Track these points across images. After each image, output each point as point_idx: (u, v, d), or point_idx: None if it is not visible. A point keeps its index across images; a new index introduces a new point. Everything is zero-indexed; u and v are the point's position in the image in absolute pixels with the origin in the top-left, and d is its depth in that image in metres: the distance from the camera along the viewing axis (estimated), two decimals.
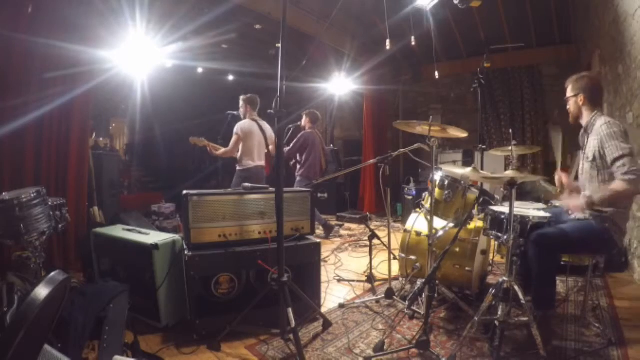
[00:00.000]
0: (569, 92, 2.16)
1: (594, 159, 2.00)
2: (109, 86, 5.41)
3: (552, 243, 1.95)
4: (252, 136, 3.93)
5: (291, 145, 4.73)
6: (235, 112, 4.17)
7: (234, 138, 3.89)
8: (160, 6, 4.32)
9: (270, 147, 4.16)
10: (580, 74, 2.17)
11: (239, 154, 3.94)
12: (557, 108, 5.72)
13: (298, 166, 4.79)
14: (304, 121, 4.89)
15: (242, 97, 4.08)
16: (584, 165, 2.12)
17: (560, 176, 2.39)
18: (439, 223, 2.45)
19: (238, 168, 3.99)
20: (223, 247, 2.16)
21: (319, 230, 5.05)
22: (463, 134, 2.36)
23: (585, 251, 2.19)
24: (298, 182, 4.70)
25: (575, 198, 2.09)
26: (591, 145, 2.03)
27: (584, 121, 2.14)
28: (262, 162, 4.06)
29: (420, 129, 2.34)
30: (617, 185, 1.86)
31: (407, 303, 2.28)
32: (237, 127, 3.90)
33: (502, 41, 5.76)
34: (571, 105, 2.16)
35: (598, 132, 1.97)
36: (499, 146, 5.89)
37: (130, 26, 3.85)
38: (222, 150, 3.99)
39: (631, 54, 3.01)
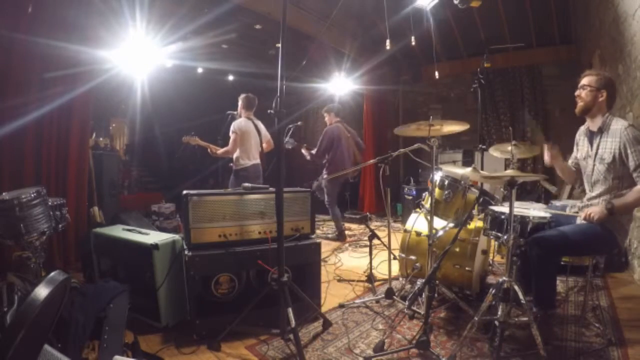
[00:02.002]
0: (589, 83, 2.08)
1: (613, 160, 1.97)
2: (109, 86, 5.40)
3: (553, 246, 1.95)
4: (249, 135, 3.93)
5: (316, 148, 4.56)
6: (235, 112, 4.17)
7: (232, 137, 3.88)
8: (160, 6, 4.32)
9: (264, 146, 4.16)
10: (599, 71, 2.15)
11: (237, 153, 3.93)
12: (557, 108, 5.72)
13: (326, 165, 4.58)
14: (328, 119, 4.69)
15: (240, 97, 4.09)
16: (594, 165, 2.08)
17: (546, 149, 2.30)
18: (439, 223, 2.45)
19: (235, 167, 3.98)
20: (223, 247, 2.16)
21: (320, 231, 5.04)
22: (464, 127, 2.35)
23: (586, 252, 2.19)
24: (325, 184, 4.51)
25: (594, 206, 2.04)
26: (609, 146, 2.00)
27: (595, 120, 2.10)
28: (258, 160, 4.06)
29: (417, 128, 2.34)
30: (639, 189, 1.86)
31: (407, 303, 2.28)
32: (234, 126, 3.89)
33: (502, 41, 5.75)
34: (587, 95, 2.08)
35: (619, 134, 1.94)
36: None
37: (130, 26, 3.84)
38: (223, 150, 3.99)
39: (631, 54, 3.01)
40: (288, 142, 4.68)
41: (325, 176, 4.51)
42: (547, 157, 2.31)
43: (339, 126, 4.59)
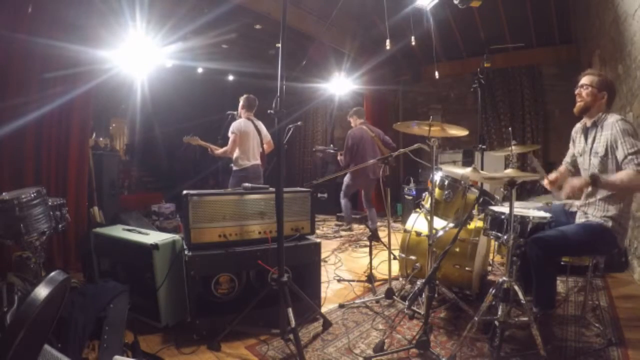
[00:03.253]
0: (590, 82, 2.07)
1: (606, 154, 1.97)
2: (109, 86, 5.38)
3: (553, 246, 1.95)
4: (248, 136, 3.93)
5: (344, 154, 4.68)
6: (235, 112, 4.18)
7: (231, 137, 3.89)
8: (160, 6, 4.31)
9: (265, 147, 4.15)
10: (601, 72, 2.15)
11: (236, 154, 3.93)
12: (557, 108, 5.72)
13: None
14: (352, 122, 4.83)
15: (240, 97, 4.10)
16: (590, 160, 2.08)
17: (553, 178, 2.30)
18: (439, 223, 2.45)
19: (235, 168, 3.98)
20: (223, 247, 2.16)
21: (320, 231, 5.04)
22: (463, 132, 2.35)
23: (585, 253, 2.19)
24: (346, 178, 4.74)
25: (577, 178, 2.02)
26: (603, 139, 2.00)
27: (591, 117, 2.10)
28: (258, 161, 4.06)
29: (419, 129, 2.34)
30: (629, 173, 1.84)
31: (407, 303, 2.28)
32: (234, 127, 3.90)
33: (502, 41, 5.75)
34: (587, 95, 2.07)
35: (612, 126, 1.94)
36: (499, 146, 5.91)
37: (130, 26, 3.84)
38: (221, 150, 3.99)
39: (631, 54, 3.01)
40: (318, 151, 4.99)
41: (347, 174, 4.75)
42: (547, 186, 2.31)
43: (362, 128, 4.68)
